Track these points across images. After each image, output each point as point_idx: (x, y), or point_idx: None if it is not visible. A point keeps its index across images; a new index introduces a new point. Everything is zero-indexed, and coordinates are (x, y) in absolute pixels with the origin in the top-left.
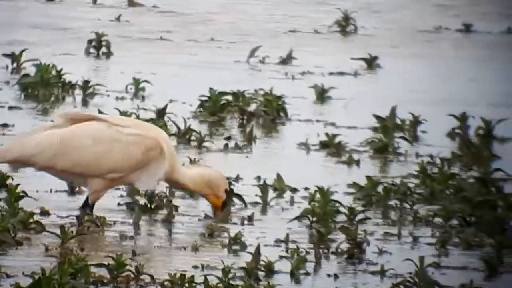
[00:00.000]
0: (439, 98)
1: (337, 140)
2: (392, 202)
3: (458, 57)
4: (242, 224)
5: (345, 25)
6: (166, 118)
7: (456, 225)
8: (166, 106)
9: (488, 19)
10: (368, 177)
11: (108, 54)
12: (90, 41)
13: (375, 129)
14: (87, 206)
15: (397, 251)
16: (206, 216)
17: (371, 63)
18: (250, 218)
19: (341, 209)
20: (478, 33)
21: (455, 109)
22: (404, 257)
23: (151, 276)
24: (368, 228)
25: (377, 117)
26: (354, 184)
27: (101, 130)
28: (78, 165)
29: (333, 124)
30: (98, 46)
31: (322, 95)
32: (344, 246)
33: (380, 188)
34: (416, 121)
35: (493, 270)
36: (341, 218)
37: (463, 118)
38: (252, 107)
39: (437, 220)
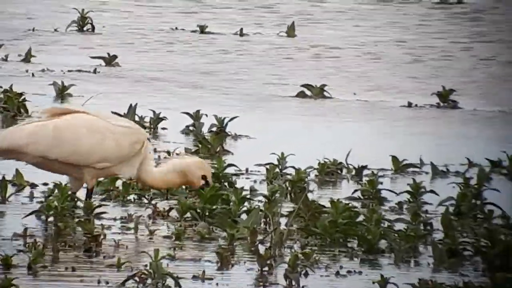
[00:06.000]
0: (178, 91)
1: None
2: (131, 197)
3: (192, 53)
4: None
5: (82, 25)
6: None
7: (190, 218)
8: None
9: (221, 22)
10: None
11: None
12: None
13: None
14: (89, 198)
15: (134, 244)
16: None
17: (110, 61)
18: None
19: (79, 203)
20: (213, 34)
21: (190, 104)
22: (140, 250)
23: None
24: (106, 223)
25: (116, 114)
26: None
27: (95, 120)
28: (72, 155)
29: None
30: None
31: (62, 92)
32: (82, 239)
33: (119, 183)
34: (157, 118)
35: (225, 261)
36: (80, 212)
37: (197, 116)
38: None
39: (173, 214)
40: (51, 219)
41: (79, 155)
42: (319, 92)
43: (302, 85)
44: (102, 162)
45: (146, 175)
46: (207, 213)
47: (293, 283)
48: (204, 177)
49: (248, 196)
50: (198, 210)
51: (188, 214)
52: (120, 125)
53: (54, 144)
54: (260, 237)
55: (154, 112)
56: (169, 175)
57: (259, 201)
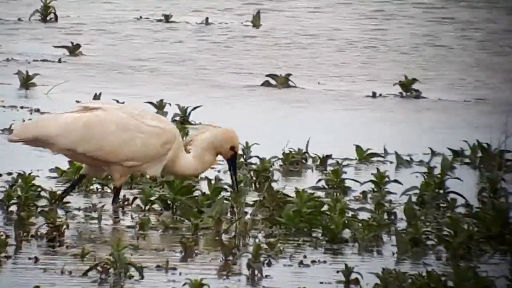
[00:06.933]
0: (142, 80)
1: None
2: (94, 187)
3: (157, 43)
4: None
5: (45, 14)
6: None
7: (154, 208)
8: None
9: (186, 11)
10: (71, 162)
11: None
12: None
13: None
14: (116, 198)
15: (98, 234)
16: None
17: (74, 50)
18: None
19: (43, 193)
20: (176, 23)
21: (154, 93)
22: (103, 240)
23: None
24: (70, 212)
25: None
26: (57, 169)
27: (126, 118)
28: (99, 150)
29: (37, 110)
30: None
31: (26, 81)
32: (45, 229)
33: None
34: None
35: (189, 251)
36: (43, 202)
37: (160, 105)
38: None
39: (137, 203)
40: (13, 208)
41: (105, 152)
42: (284, 82)
43: (267, 75)
44: (129, 161)
45: (187, 167)
46: (175, 203)
47: (256, 272)
48: (232, 148)
49: (222, 187)
50: (169, 202)
51: (155, 205)
52: (151, 125)
53: (83, 138)
54: (225, 227)
55: (117, 101)
56: (206, 157)
57: (225, 190)
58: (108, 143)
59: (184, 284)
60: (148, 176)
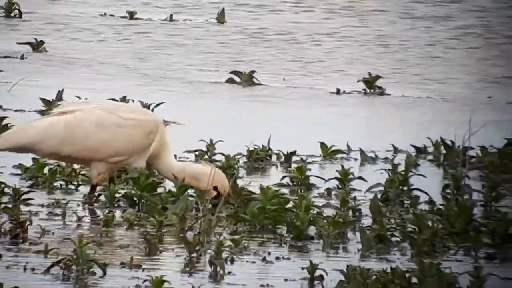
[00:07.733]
0: (105, 77)
1: (4, 122)
2: (58, 183)
3: (121, 39)
4: None
5: (10, 10)
6: None
7: (120, 205)
8: None
9: (150, 8)
10: (35, 159)
11: None
12: None
13: (41, 112)
14: (92, 191)
15: (61, 231)
16: None
17: (37, 47)
18: None
19: (6, 190)
20: (141, 20)
21: (117, 90)
22: (66, 237)
23: None
24: (33, 209)
25: (44, 100)
26: (21, 166)
27: (104, 116)
28: (83, 151)
29: (0, 107)
30: None
31: None
32: (8, 226)
33: (46, 170)
34: None
35: (153, 248)
36: (7, 199)
37: (123, 102)
38: None
39: (103, 200)
40: None
41: (90, 151)
42: (248, 79)
43: (231, 72)
44: (115, 157)
45: (163, 165)
46: (143, 201)
47: (219, 269)
48: (215, 188)
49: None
50: (135, 198)
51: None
52: (131, 118)
53: (65, 141)
54: (189, 224)
55: (79, 98)
56: (182, 174)
57: (191, 187)
58: (91, 143)
59: (144, 281)
60: (132, 169)
